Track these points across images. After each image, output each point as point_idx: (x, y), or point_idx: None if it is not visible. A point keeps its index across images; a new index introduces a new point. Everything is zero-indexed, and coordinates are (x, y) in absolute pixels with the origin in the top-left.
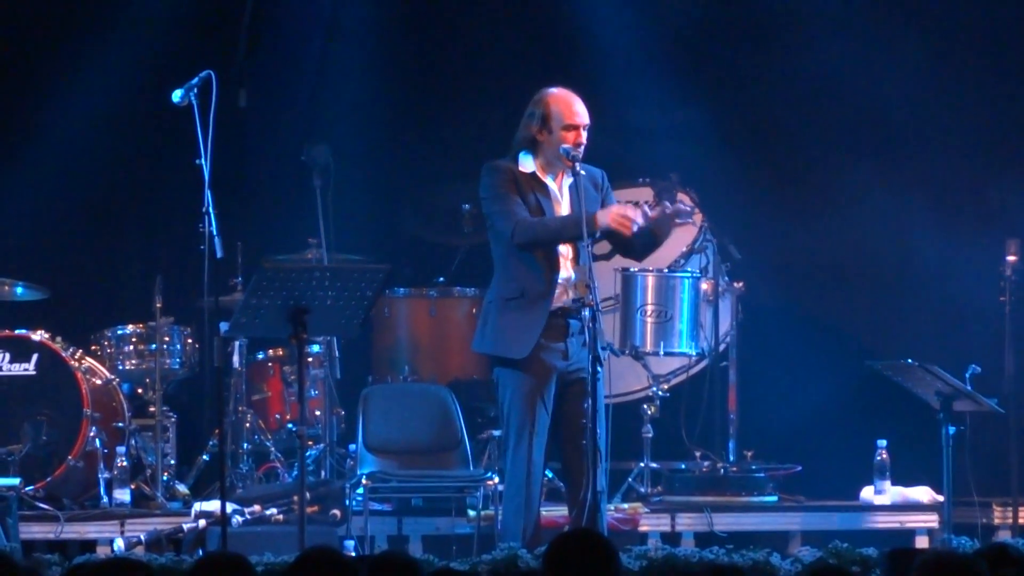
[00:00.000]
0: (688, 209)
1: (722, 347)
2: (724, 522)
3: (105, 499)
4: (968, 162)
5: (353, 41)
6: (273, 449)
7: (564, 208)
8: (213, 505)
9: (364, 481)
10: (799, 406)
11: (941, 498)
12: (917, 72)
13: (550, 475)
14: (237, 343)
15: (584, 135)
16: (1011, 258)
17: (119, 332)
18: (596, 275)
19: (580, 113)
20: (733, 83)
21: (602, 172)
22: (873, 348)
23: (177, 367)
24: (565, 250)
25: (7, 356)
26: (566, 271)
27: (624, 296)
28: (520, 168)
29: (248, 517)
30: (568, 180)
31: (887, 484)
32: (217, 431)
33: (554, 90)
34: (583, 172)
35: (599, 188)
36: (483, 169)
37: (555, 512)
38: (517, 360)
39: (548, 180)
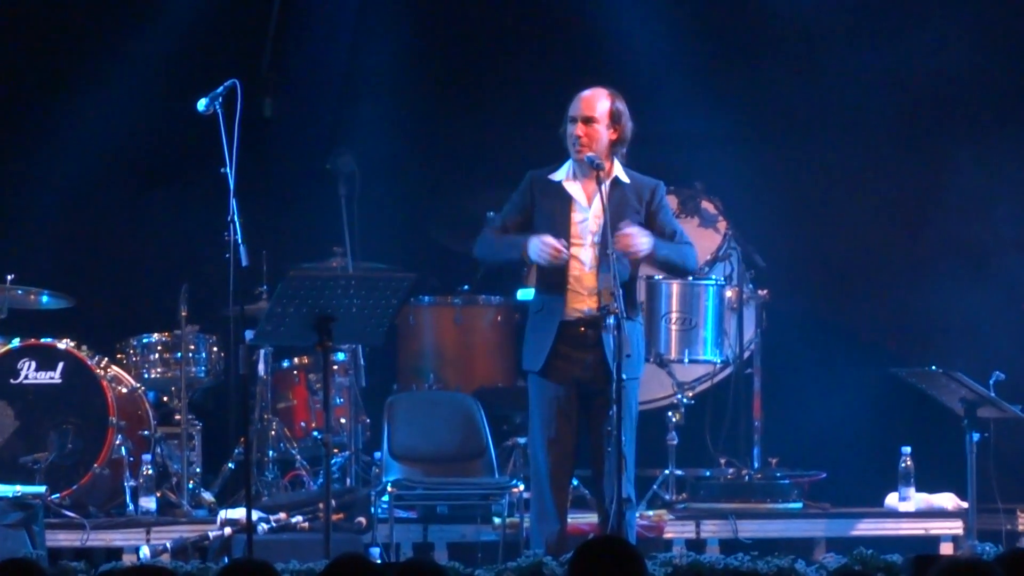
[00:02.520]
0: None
1: (746, 354)
2: (749, 529)
3: (131, 507)
4: (993, 169)
5: (378, 49)
6: (299, 457)
7: (591, 216)
8: (239, 513)
9: (390, 488)
10: (823, 413)
11: (965, 505)
12: (944, 77)
13: (575, 483)
14: (262, 351)
15: (583, 128)
16: None
17: (144, 340)
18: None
19: (579, 105)
20: (758, 90)
21: (655, 185)
22: (897, 355)
23: (202, 375)
24: (587, 259)
25: (33, 364)
26: (590, 280)
27: (649, 304)
28: (551, 176)
29: (274, 525)
30: (603, 186)
31: (912, 491)
32: (243, 439)
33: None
34: (607, 179)
35: (642, 200)
36: None
37: (581, 519)
38: (541, 369)
39: (574, 188)
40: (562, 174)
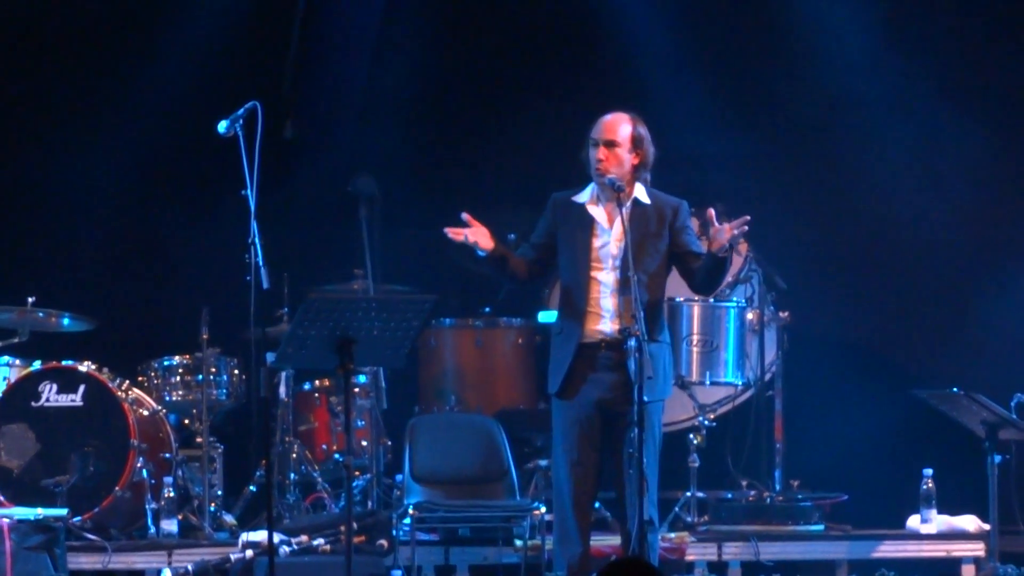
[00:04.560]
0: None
1: (768, 376)
2: (770, 551)
3: (152, 529)
4: (1017, 189)
5: (398, 72)
6: (320, 479)
7: (611, 239)
8: (260, 535)
9: (411, 511)
10: (845, 435)
11: (987, 527)
12: (968, 99)
13: (597, 505)
14: (284, 374)
15: (604, 152)
16: None
17: (166, 363)
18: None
19: (600, 129)
20: (778, 112)
21: (678, 204)
22: (918, 377)
23: (224, 398)
24: (609, 281)
25: (54, 387)
26: (611, 302)
27: (670, 326)
28: (575, 198)
29: (295, 547)
30: (625, 208)
31: (933, 513)
32: (264, 461)
33: None
34: (628, 200)
35: (664, 220)
36: None
37: (603, 542)
38: (566, 392)
39: (596, 211)
40: (585, 196)
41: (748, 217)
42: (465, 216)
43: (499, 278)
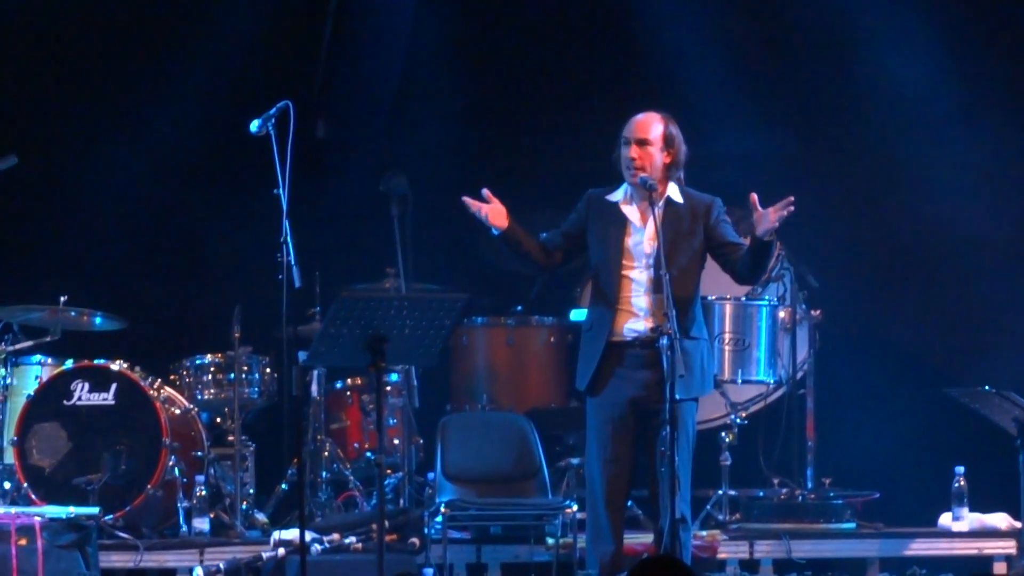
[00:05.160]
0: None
1: (800, 375)
2: (802, 549)
3: (184, 528)
4: None
5: (430, 70)
6: (352, 478)
7: (644, 238)
8: (292, 534)
9: (443, 509)
10: (877, 433)
11: (1019, 525)
12: (1007, 95)
13: (629, 503)
14: (315, 372)
15: (637, 150)
16: None
17: (198, 361)
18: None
19: (633, 128)
20: (812, 110)
21: (712, 201)
22: (950, 375)
23: (256, 396)
24: (643, 280)
25: (86, 386)
26: (644, 301)
27: None
28: (609, 196)
29: (327, 545)
30: (658, 207)
31: (965, 511)
32: (296, 460)
33: None
34: (660, 200)
35: (698, 218)
36: None
37: (635, 540)
38: (597, 390)
39: (630, 210)
40: (619, 195)
41: (792, 198)
42: (485, 192)
43: (514, 260)
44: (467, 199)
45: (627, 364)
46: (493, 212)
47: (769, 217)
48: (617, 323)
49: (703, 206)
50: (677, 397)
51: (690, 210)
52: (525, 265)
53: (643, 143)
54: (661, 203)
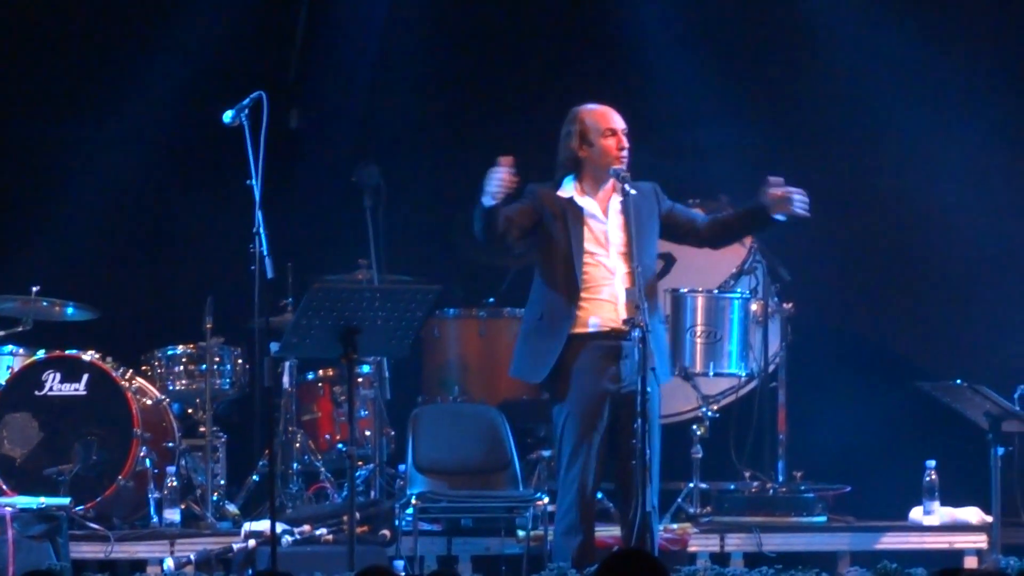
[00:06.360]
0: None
1: (771, 368)
2: (773, 542)
3: (155, 519)
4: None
5: (404, 61)
6: (323, 469)
7: (611, 229)
8: (263, 525)
9: (414, 501)
10: (848, 427)
11: (990, 519)
12: (973, 87)
13: (599, 496)
14: (287, 363)
15: (625, 139)
16: None
17: (169, 352)
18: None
19: (614, 118)
20: (782, 102)
21: (653, 185)
22: (922, 369)
23: (227, 387)
24: (608, 270)
25: (58, 376)
26: (612, 292)
27: (674, 317)
28: (559, 192)
29: (298, 537)
30: (617, 199)
31: (936, 505)
32: (267, 451)
33: (585, 105)
34: (634, 192)
35: (652, 205)
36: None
37: (605, 532)
38: (565, 382)
39: (586, 201)
40: (569, 190)
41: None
42: (509, 160)
43: (480, 231)
44: (509, 160)
45: (596, 356)
46: (510, 182)
47: (795, 205)
48: (582, 315)
49: (652, 191)
50: (648, 389)
51: (643, 197)
52: (491, 238)
53: (625, 132)
54: (624, 191)
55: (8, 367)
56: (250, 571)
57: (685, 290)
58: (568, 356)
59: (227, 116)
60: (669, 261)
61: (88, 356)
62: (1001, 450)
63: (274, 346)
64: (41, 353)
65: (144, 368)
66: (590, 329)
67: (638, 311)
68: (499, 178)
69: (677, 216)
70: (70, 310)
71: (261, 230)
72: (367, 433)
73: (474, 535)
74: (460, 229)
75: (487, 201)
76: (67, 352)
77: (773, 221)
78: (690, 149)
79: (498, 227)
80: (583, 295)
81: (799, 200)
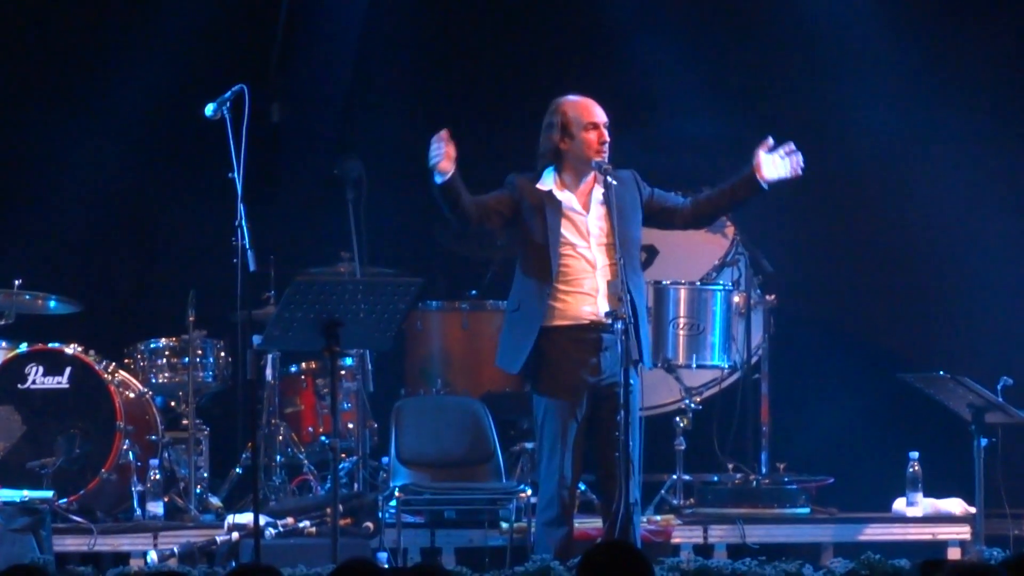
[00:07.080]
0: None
1: (754, 360)
2: (756, 534)
3: (138, 512)
4: (1004, 173)
5: (386, 54)
6: (306, 462)
7: (592, 221)
8: (246, 517)
9: (397, 493)
10: (831, 418)
11: (973, 510)
12: (957, 82)
13: (583, 487)
14: (270, 356)
15: (606, 133)
16: None
17: (152, 345)
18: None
19: (598, 111)
20: (765, 94)
21: (632, 173)
22: (905, 360)
23: (210, 380)
24: (589, 261)
25: (40, 369)
26: (597, 283)
27: (656, 309)
28: (538, 185)
29: (281, 529)
30: (599, 190)
31: (919, 496)
32: (250, 444)
33: (567, 97)
34: (615, 182)
35: (635, 194)
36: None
37: (588, 524)
38: (546, 373)
39: (565, 195)
40: (549, 183)
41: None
42: (444, 133)
43: (448, 212)
44: (444, 133)
45: (574, 348)
46: (450, 152)
47: (792, 166)
48: (560, 306)
49: (631, 180)
50: (631, 382)
51: (625, 187)
52: (457, 218)
53: (606, 126)
54: (607, 183)
55: None
56: (233, 563)
57: (668, 282)
58: (547, 348)
59: (209, 109)
60: (651, 253)
61: (71, 349)
62: (984, 441)
63: (257, 339)
64: (24, 346)
65: (127, 361)
66: (568, 321)
67: (621, 303)
68: (439, 152)
69: (659, 201)
70: (53, 303)
71: (243, 223)
72: (350, 426)
73: (457, 527)
74: (441, 222)
75: (437, 179)
76: (50, 345)
77: (762, 189)
78: (674, 141)
79: (461, 202)
80: (562, 287)
81: (790, 154)
